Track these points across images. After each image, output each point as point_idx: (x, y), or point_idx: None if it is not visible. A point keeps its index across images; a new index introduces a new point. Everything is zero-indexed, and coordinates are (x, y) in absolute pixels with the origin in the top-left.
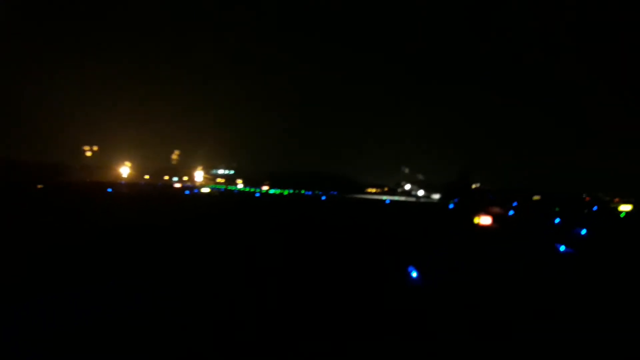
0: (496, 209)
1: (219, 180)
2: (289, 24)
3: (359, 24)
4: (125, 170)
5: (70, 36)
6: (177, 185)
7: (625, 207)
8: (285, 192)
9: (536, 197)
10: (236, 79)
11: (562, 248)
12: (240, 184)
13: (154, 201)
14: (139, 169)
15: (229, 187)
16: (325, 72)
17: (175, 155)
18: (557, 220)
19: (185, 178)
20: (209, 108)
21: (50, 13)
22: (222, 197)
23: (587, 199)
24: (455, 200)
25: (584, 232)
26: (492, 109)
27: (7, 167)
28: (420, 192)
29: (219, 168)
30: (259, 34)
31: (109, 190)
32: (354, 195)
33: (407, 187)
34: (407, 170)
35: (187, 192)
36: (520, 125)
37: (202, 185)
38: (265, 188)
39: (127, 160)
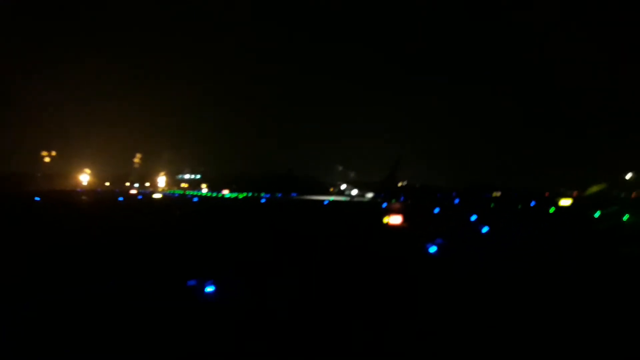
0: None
1: (183, 185)
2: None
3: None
4: (84, 177)
5: (25, 35)
6: (133, 191)
7: (565, 202)
8: (240, 196)
9: (496, 194)
10: (203, 80)
11: (433, 249)
12: (204, 189)
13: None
14: (99, 176)
15: (187, 192)
16: (306, 71)
17: (137, 159)
18: (473, 218)
19: (147, 184)
20: (176, 111)
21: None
22: (157, 203)
23: (547, 194)
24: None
25: (485, 229)
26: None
27: None
28: (354, 192)
29: (185, 173)
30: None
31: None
32: (304, 197)
33: (343, 186)
34: (340, 169)
35: (139, 197)
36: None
37: (155, 192)
38: (225, 192)
39: (87, 167)
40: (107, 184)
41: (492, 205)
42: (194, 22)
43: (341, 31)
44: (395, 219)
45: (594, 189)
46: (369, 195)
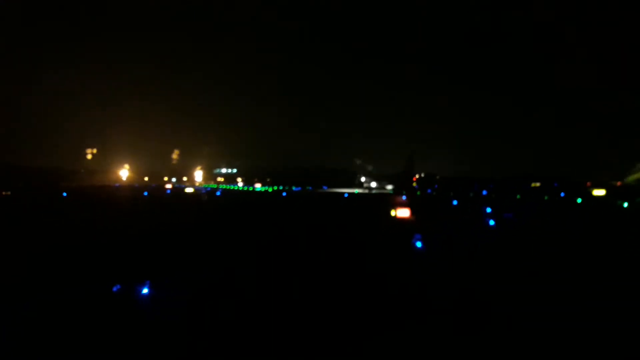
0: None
1: (219, 179)
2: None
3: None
4: (124, 173)
5: (66, 38)
6: (168, 186)
7: (598, 192)
8: (270, 189)
9: (535, 184)
10: (237, 77)
11: (418, 244)
12: (240, 183)
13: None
14: (138, 171)
15: (221, 187)
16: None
17: (175, 155)
18: (488, 210)
19: (184, 178)
20: (213, 106)
21: (44, 13)
22: (188, 196)
23: (588, 184)
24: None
25: (492, 222)
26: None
27: (12, 172)
28: (373, 184)
29: (222, 167)
30: (257, 33)
31: (65, 194)
32: (330, 190)
33: (363, 179)
34: (359, 162)
35: (168, 191)
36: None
37: (189, 186)
38: (257, 185)
39: (126, 162)
40: (146, 179)
41: (518, 196)
42: (233, 18)
43: (352, 30)
44: (402, 212)
45: (633, 177)
46: (389, 187)
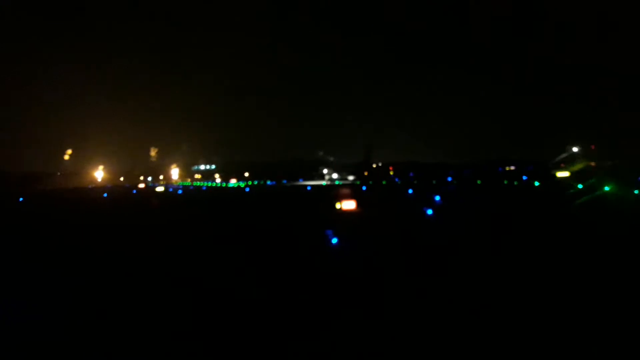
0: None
1: (196, 176)
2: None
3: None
4: (99, 174)
5: (40, 37)
6: (141, 185)
7: (562, 174)
8: (242, 185)
9: (509, 168)
10: (212, 71)
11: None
12: (217, 179)
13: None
14: (114, 171)
15: (195, 184)
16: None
17: (153, 152)
18: (436, 198)
19: (161, 177)
20: (189, 104)
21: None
22: (148, 196)
23: (562, 165)
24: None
25: (429, 212)
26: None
27: None
28: (334, 176)
29: (200, 164)
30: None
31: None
32: (298, 183)
33: (325, 171)
34: (321, 153)
35: (134, 192)
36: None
37: (161, 184)
38: (232, 181)
39: (102, 163)
40: (122, 179)
41: (478, 182)
42: (201, 14)
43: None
44: (348, 204)
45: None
46: (350, 178)
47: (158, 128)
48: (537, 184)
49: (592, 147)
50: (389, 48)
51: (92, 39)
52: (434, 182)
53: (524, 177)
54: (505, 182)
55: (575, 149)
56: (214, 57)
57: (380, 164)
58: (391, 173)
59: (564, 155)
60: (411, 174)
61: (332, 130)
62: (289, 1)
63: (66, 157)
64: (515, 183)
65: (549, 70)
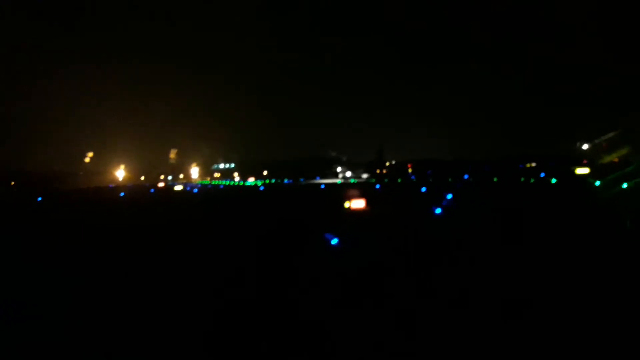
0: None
1: (216, 175)
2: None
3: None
4: (120, 173)
5: (60, 40)
6: (161, 184)
7: (582, 170)
8: (259, 183)
9: (530, 164)
10: (228, 72)
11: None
12: (236, 177)
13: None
14: (135, 171)
15: (214, 182)
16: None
17: (172, 154)
18: (449, 196)
19: (181, 176)
20: (208, 103)
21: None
22: (165, 195)
23: (585, 162)
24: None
25: (438, 210)
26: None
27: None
28: (348, 174)
29: (219, 162)
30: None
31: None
32: (314, 181)
33: (339, 169)
34: (334, 153)
35: (151, 190)
36: None
37: (184, 183)
38: (250, 179)
39: (123, 162)
40: (142, 178)
41: (495, 179)
42: (219, 13)
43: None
44: (357, 203)
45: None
46: (364, 176)
47: (180, 127)
48: (554, 181)
49: (604, 145)
50: (403, 46)
51: (111, 39)
52: (449, 179)
53: (542, 174)
54: (522, 179)
55: (585, 146)
56: (234, 57)
57: (393, 162)
58: (409, 170)
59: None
60: (429, 172)
61: (348, 128)
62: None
63: (87, 159)
64: (532, 180)
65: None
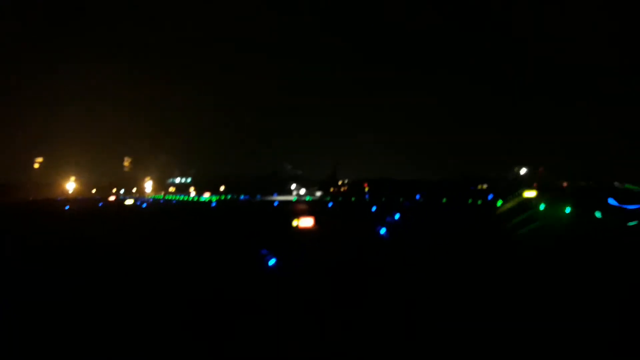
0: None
1: (171, 189)
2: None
3: None
4: (71, 185)
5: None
6: (112, 198)
7: (529, 193)
8: (214, 199)
9: (482, 186)
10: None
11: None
12: (192, 192)
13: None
14: (86, 183)
15: (167, 197)
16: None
17: (127, 162)
18: (396, 216)
19: (134, 189)
20: (166, 114)
21: None
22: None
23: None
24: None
25: (383, 230)
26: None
27: None
28: (302, 191)
29: (175, 176)
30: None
31: None
32: (268, 198)
33: (293, 186)
34: (289, 167)
35: (100, 204)
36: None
37: (134, 197)
38: (206, 194)
39: (74, 174)
40: (94, 191)
41: (444, 200)
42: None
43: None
44: (305, 222)
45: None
46: (318, 194)
47: (135, 139)
48: (499, 203)
49: (541, 169)
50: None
51: (69, 43)
52: (401, 199)
53: (490, 196)
54: (470, 200)
55: (522, 171)
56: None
57: (346, 181)
58: (366, 189)
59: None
60: (385, 191)
61: (306, 144)
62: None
63: (36, 165)
64: (479, 202)
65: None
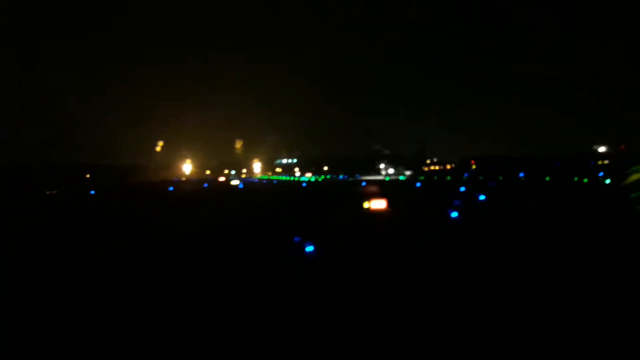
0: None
1: (277, 170)
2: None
3: None
4: (187, 167)
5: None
6: (221, 179)
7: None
8: (312, 179)
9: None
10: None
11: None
12: (297, 173)
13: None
14: (201, 165)
15: (273, 177)
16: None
17: (239, 145)
18: (481, 197)
19: (244, 170)
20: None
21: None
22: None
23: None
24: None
25: (454, 214)
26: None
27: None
28: (391, 171)
29: (282, 158)
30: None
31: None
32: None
33: (382, 166)
34: (378, 147)
35: (205, 184)
36: None
37: (243, 177)
38: (307, 175)
39: (189, 156)
40: (208, 172)
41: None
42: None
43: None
44: (377, 204)
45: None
46: (407, 173)
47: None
48: (608, 181)
49: (622, 147)
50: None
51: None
52: (500, 177)
53: (600, 174)
54: (576, 179)
55: (602, 149)
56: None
57: (435, 160)
58: (473, 167)
59: None
60: (493, 168)
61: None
62: None
63: (158, 148)
64: (585, 180)
65: None
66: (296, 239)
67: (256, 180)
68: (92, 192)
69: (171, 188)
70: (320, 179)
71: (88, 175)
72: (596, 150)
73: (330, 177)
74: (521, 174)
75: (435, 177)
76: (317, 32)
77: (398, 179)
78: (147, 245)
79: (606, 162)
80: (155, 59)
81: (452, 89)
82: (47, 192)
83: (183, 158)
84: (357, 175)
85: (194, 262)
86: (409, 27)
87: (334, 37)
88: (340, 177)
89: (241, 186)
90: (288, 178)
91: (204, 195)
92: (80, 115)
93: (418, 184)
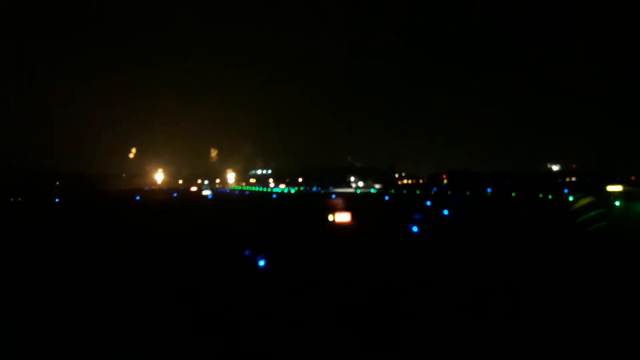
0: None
1: (251, 180)
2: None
3: None
4: (159, 176)
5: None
6: (193, 189)
7: (614, 188)
8: (285, 190)
9: (569, 179)
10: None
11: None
12: (271, 184)
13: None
14: (174, 174)
15: (245, 188)
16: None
17: (214, 154)
18: (445, 212)
19: (217, 180)
20: (252, 110)
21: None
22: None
23: (633, 178)
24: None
25: (415, 228)
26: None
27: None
28: (361, 184)
29: (257, 168)
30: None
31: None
32: (335, 190)
33: (352, 179)
34: (350, 160)
35: (174, 195)
36: None
37: (215, 188)
38: (281, 186)
39: (162, 166)
40: (180, 181)
41: (513, 194)
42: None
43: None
44: (342, 217)
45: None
46: (377, 186)
47: (220, 132)
48: (571, 198)
49: (574, 166)
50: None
51: (153, 42)
52: (467, 193)
53: (565, 190)
54: (540, 195)
55: (555, 167)
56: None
57: (403, 174)
58: (445, 182)
59: None
60: (464, 183)
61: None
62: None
63: (131, 155)
64: (550, 197)
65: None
66: (247, 252)
67: (228, 191)
68: (57, 199)
69: (138, 197)
70: (293, 191)
71: (57, 183)
72: (551, 169)
73: (304, 189)
74: (489, 190)
75: (405, 191)
76: (292, 42)
77: (369, 192)
78: (90, 255)
79: (574, 179)
80: (129, 66)
81: (431, 102)
82: (12, 199)
83: (155, 166)
84: (331, 187)
85: (126, 277)
86: (386, 37)
87: (313, 47)
88: (314, 189)
89: (211, 197)
90: (260, 189)
91: (170, 205)
92: (51, 122)
93: (387, 198)
